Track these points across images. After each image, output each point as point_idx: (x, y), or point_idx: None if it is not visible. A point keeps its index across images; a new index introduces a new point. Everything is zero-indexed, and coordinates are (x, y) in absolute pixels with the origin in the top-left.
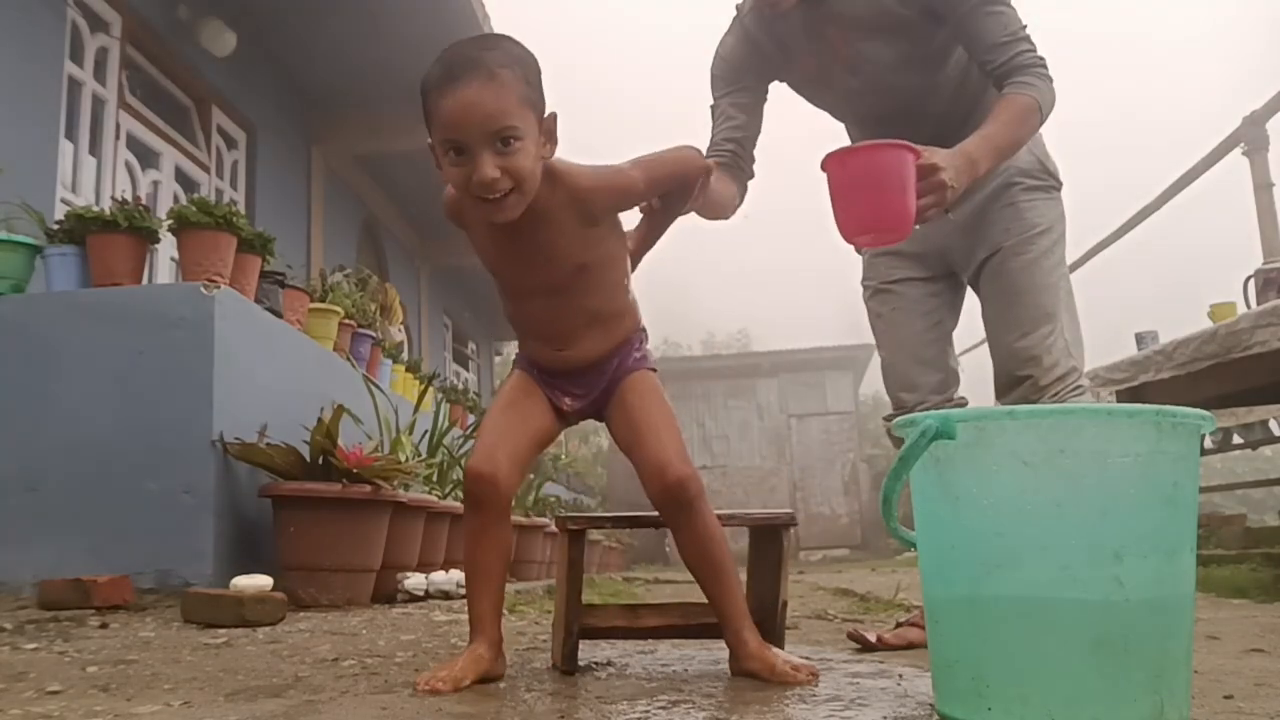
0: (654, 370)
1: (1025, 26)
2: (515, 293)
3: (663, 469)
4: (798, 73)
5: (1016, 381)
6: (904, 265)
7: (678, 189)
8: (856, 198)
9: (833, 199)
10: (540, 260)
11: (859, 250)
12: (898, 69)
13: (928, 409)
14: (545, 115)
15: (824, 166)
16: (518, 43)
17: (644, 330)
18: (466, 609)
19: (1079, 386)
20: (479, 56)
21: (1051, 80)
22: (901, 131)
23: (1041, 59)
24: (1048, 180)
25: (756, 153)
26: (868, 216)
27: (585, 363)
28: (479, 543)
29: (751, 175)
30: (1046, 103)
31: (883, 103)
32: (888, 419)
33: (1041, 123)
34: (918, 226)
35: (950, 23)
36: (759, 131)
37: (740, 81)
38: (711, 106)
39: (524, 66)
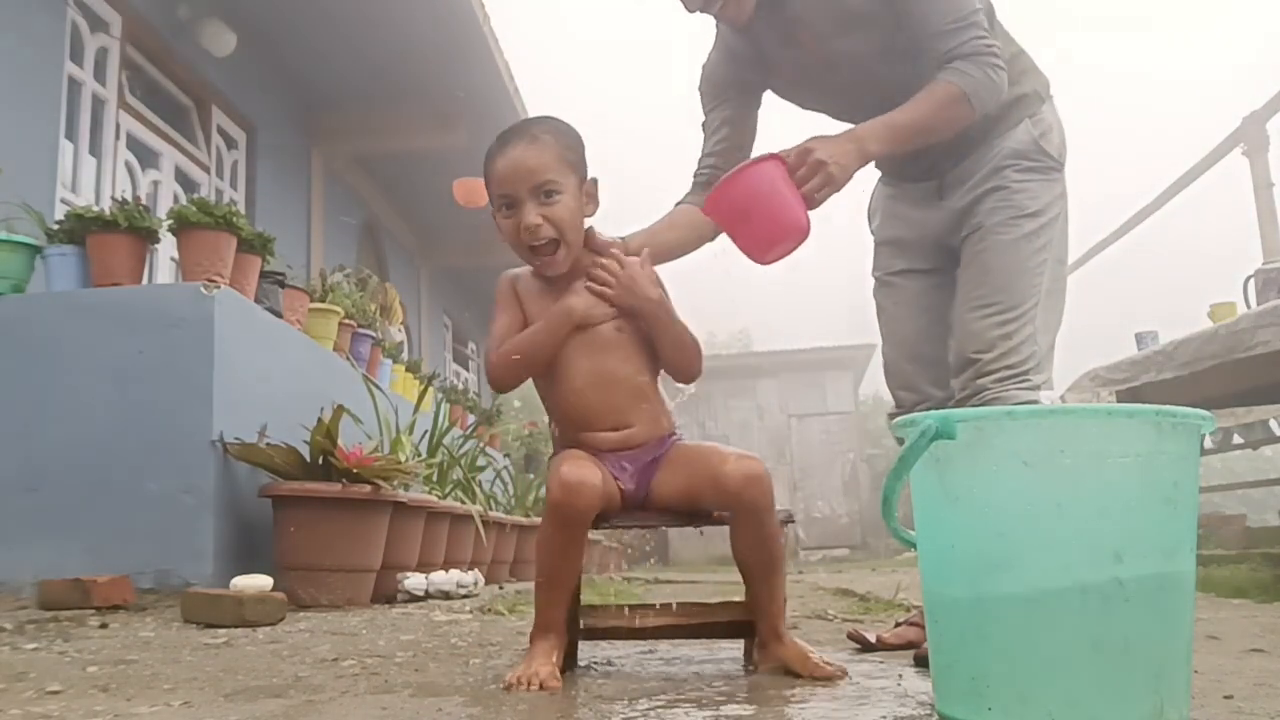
0: None
1: (977, 10)
2: (562, 355)
3: (736, 472)
4: (782, 78)
5: (966, 363)
6: (904, 256)
7: (675, 348)
8: (745, 225)
9: (730, 236)
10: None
11: (872, 233)
12: (876, 60)
13: (928, 407)
14: (587, 179)
15: (705, 212)
16: (563, 121)
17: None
18: (535, 611)
19: (1027, 380)
20: (526, 125)
21: (997, 69)
22: None
23: (989, 46)
24: (1045, 161)
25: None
26: (762, 237)
27: (637, 443)
28: (563, 555)
29: None
30: (981, 91)
31: (870, 94)
32: (891, 416)
33: (972, 112)
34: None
35: (897, 9)
36: (750, 141)
37: (725, 95)
38: (702, 124)
39: (566, 136)
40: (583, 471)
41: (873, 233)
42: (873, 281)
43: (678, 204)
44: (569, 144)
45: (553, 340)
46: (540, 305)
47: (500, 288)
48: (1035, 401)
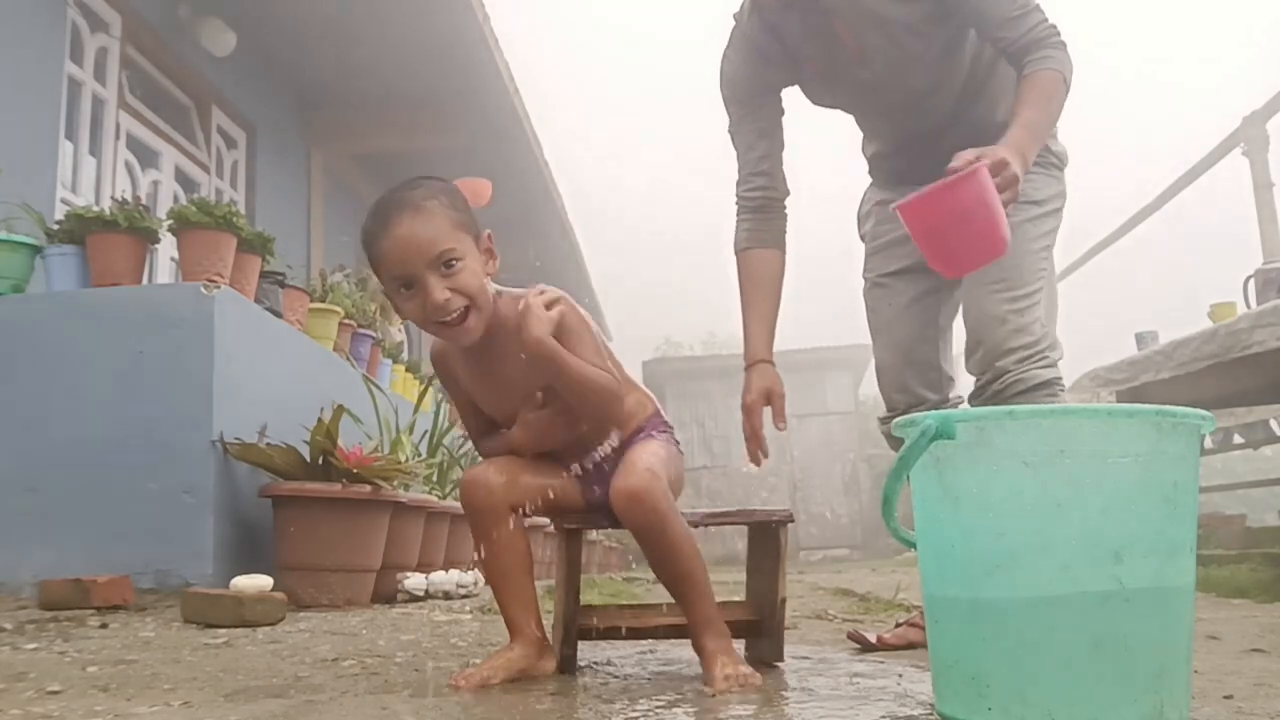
0: (666, 438)
1: None
2: (505, 422)
3: (620, 491)
4: (808, 71)
5: (978, 344)
6: (902, 255)
7: (578, 398)
8: (952, 239)
9: (924, 243)
10: (511, 386)
11: (862, 237)
12: (909, 56)
13: (923, 410)
14: (482, 235)
15: (903, 215)
16: (439, 179)
17: (660, 421)
18: (500, 613)
19: (1045, 357)
20: (404, 196)
21: (1066, 47)
22: (918, 117)
23: (1054, 28)
24: (1048, 158)
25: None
26: (965, 251)
27: (597, 461)
28: (488, 549)
29: (786, 206)
30: (1068, 72)
31: (898, 92)
32: (883, 420)
33: (1068, 93)
34: None
35: (953, 2)
36: (783, 147)
37: (755, 100)
38: (731, 133)
39: (450, 196)
40: (480, 469)
41: (862, 237)
42: (864, 284)
43: (744, 249)
44: (455, 204)
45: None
46: (475, 372)
47: (436, 370)
48: (1059, 378)
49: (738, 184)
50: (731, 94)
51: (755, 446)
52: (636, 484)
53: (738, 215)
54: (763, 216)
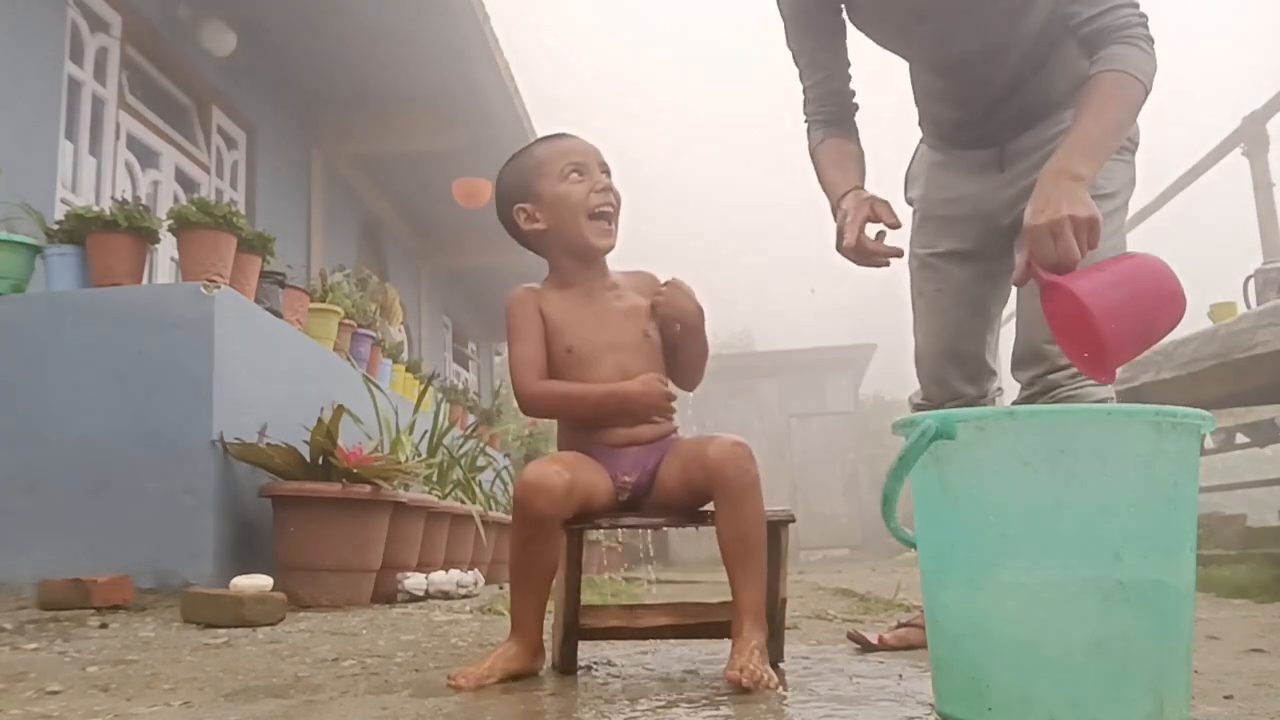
0: None
1: None
2: (588, 357)
3: (718, 448)
4: (865, 9)
5: (1036, 356)
6: (950, 234)
7: (699, 357)
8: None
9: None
10: (615, 317)
11: (909, 201)
12: (971, 19)
13: (960, 404)
14: None
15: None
16: None
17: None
18: (509, 608)
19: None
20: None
21: (1153, 43)
22: (971, 80)
23: (1141, 17)
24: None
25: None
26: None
27: (648, 439)
28: (527, 554)
29: (856, 116)
30: (1145, 75)
31: (953, 52)
32: (917, 408)
33: (1145, 96)
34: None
35: None
36: (849, 64)
37: (817, 18)
38: (791, 51)
39: None
40: (544, 472)
41: (909, 201)
42: (911, 257)
43: (819, 143)
44: None
45: (598, 412)
46: (573, 307)
47: (517, 307)
48: (1112, 398)
49: (804, 103)
50: (791, 10)
51: (865, 255)
52: (735, 446)
53: (808, 127)
54: (834, 126)
